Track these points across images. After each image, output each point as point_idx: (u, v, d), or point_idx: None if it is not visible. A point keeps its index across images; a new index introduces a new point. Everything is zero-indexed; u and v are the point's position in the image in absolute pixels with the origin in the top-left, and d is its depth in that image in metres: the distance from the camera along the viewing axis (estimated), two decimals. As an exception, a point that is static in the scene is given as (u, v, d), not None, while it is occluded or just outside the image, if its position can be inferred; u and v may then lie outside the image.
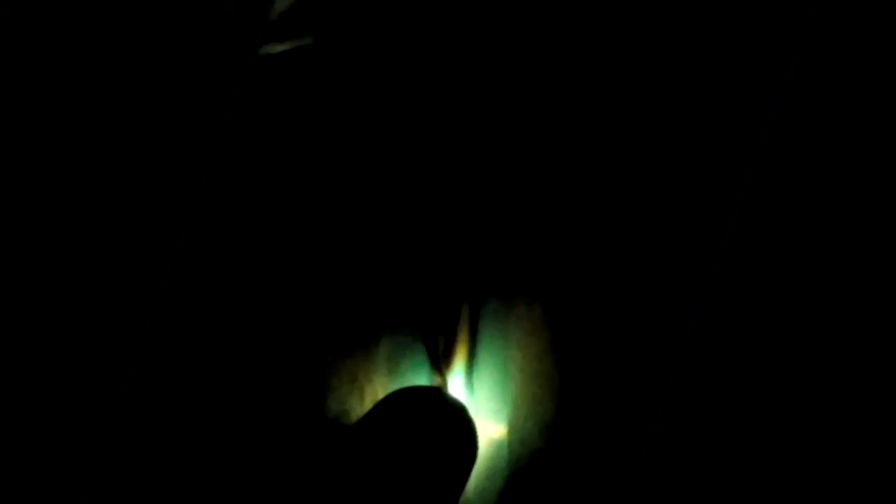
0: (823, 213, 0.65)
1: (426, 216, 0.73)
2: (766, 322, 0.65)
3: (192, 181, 0.74)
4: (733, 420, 0.65)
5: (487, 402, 0.70)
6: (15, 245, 0.73)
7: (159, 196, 0.74)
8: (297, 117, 0.75)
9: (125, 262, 0.73)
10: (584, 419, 0.67)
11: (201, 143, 0.74)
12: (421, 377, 0.71)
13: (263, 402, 0.71)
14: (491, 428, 0.70)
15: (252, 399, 0.71)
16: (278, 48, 0.75)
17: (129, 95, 0.75)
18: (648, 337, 0.66)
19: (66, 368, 0.72)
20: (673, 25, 0.69)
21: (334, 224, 0.73)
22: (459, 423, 0.66)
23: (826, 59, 0.66)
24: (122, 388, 0.71)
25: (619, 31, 0.70)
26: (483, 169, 0.73)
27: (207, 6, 0.75)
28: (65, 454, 0.71)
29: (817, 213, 0.66)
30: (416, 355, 0.72)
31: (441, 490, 0.65)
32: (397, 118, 0.74)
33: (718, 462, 0.65)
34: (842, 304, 0.64)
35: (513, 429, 0.69)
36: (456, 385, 0.71)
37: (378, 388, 0.71)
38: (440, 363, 0.72)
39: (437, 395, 0.68)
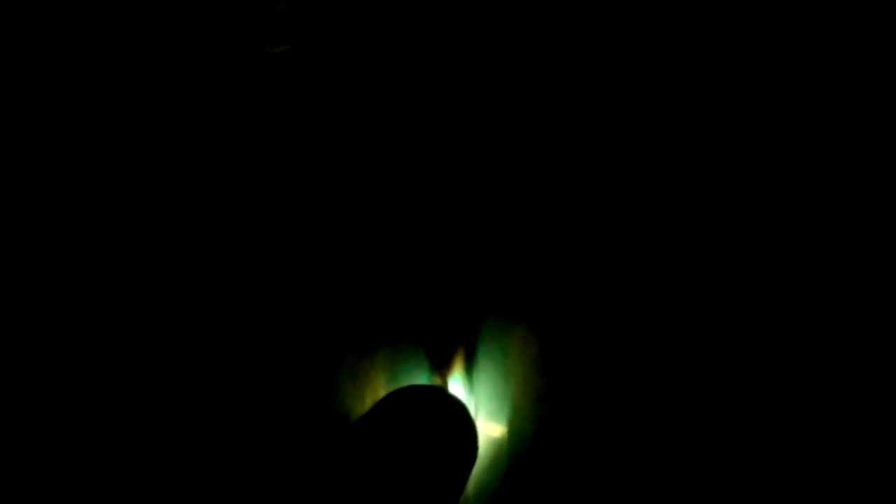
0: (824, 213, 0.66)
1: (426, 216, 0.73)
2: (766, 322, 0.65)
3: (192, 181, 0.74)
4: (733, 420, 0.65)
5: (487, 402, 0.70)
6: (15, 245, 0.73)
7: (159, 196, 0.74)
8: (298, 117, 0.75)
9: (125, 262, 0.73)
10: (584, 419, 0.67)
11: (201, 143, 0.74)
12: (421, 377, 0.71)
13: (263, 401, 0.71)
14: (491, 428, 0.70)
15: (252, 399, 0.71)
16: (278, 48, 0.75)
17: (129, 95, 0.75)
18: (648, 337, 0.66)
19: (66, 368, 0.72)
20: (672, 25, 0.69)
21: (335, 224, 0.73)
22: (460, 421, 0.66)
23: (826, 59, 0.66)
24: (122, 388, 0.71)
25: (618, 31, 0.71)
26: (483, 169, 0.72)
27: (207, 6, 0.75)
28: (65, 454, 0.71)
29: (817, 213, 0.66)
30: (417, 355, 0.72)
31: (442, 489, 0.65)
32: (398, 119, 0.74)
33: (718, 462, 0.65)
34: (842, 304, 0.64)
35: (513, 429, 0.69)
36: (456, 385, 0.71)
37: (378, 388, 0.71)
38: (440, 363, 0.72)
39: (439, 394, 0.68)
